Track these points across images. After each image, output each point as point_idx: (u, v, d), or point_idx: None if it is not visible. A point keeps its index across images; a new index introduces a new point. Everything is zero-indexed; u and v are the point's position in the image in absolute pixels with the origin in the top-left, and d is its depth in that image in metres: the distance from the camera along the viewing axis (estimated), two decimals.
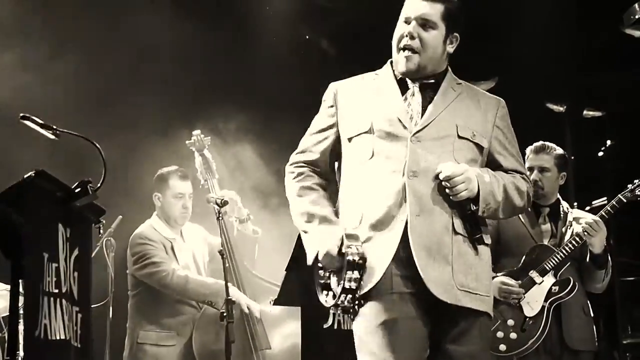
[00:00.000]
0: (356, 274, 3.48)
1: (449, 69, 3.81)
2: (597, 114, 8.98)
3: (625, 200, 5.39)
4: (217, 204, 5.63)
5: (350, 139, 3.72)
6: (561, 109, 8.87)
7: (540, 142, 5.67)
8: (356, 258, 3.47)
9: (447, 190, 3.51)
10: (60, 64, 7.12)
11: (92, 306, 6.47)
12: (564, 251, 5.38)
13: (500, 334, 5.38)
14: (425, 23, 3.64)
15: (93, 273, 6.57)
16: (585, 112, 8.94)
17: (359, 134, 3.69)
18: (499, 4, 8.27)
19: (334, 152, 3.81)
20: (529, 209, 5.50)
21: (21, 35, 7.30)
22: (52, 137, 4.35)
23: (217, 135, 7.13)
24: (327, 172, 3.85)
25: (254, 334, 5.85)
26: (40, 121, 4.35)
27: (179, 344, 5.98)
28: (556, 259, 5.39)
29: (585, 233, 5.27)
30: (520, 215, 5.49)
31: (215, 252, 5.74)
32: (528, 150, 5.66)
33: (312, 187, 3.79)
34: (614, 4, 7.89)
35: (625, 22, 7.68)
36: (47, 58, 7.15)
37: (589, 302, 5.58)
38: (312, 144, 3.85)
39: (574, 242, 5.36)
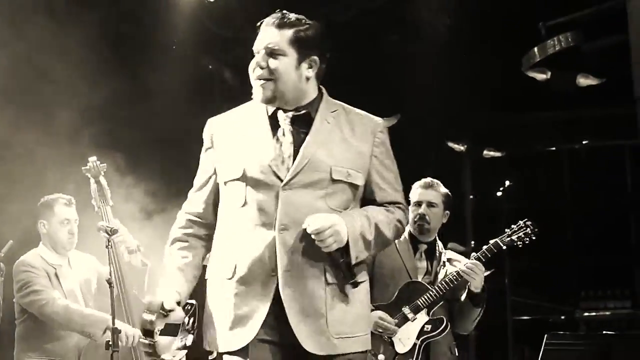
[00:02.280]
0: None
1: (324, 94, 3.65)
2: (497, 154, 9.14)
3: (502, 245, 5.43)
4: (106, 232, 5.52)
5: (225, 183, 3.60)
6: (462, 148, 9.01)
7: (429, 179, 5.69)
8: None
9: (317, 243, 3.39)
10: None
11: None
12: (438, 290, 5.40)
13: None
14: (272, 51, 3.50)
15: None
16: (485, 152, 9.10)
17: (232, 180, 3.56)
18: (404, 43, 8.33)
19: (217, 194, 3.67)
20: (408, 244, 5.56)
21: None
22: None
23: (113, 164, 6.99)
24: (210, 218, 3.69)
25: None
26: None
27: None
28: (430, 297, 5.41)
29: (466, 275, 5.31)
30: (398, 250, 5.52)
31: (104, 281, 5.63)
32: (416, 184, 5.68)
33: (180, 239, 3.68)
34: (518, 46, 8.04)
35: (524, 65, 7.85)
36: None
37: (454, 340, 5.62)
38: (194, 190, 3.73)
39: (449, 282, 5.38)
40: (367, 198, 3.61)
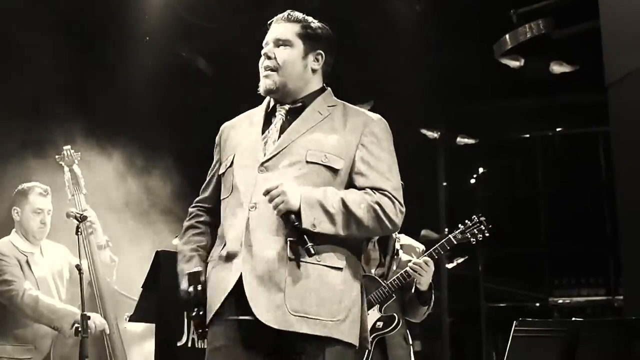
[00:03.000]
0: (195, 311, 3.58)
1: (326, 89, 3.74)
2: (471, 141, 9.16)
3: (455, 242, 5.44)
4: (76, 218, 5.55)
5: (223, 174, 3.71)
6: (435, 135, 9.03)
7: None
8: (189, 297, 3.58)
9: (270, 206, 3.44)
10: None
11: None
12: (390, 286, 5.41)
13: None
14: (280, 43, 3.64)
15: None
16: (458, 139, 9.12)
17: (226, 169, 3.68)
18: (379, 29, 8.33)
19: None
20: None
21: None
22: None
23: (86, 152, 6.99)
24: (218, 211, 3.76)
25: (110, 349, 5.78)
26: None
27: (37, 357, 5.77)
28: (382, 294, 5.42)
29: (414, 272, 5.32)
30: None
31: (75, 269, 5.65)
32: None
33: (193, 225, 3.80)
34: (491, 33, 8.06)
35: (496, 52, 7.87)
36: None
37: (407, 329, 5.64)
38: (205, 185, 3.87)
39: (401, 278, 5.38)
40: (350, 185, 3.60)
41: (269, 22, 3.71)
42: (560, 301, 9.67)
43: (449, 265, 9.45)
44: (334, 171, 3.54)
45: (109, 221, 6.39)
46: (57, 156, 6.16)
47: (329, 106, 3.65)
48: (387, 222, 3.53)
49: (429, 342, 9.23)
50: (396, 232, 5.64)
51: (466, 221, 5.36)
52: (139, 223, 6.90)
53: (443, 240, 5.34)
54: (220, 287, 3.54)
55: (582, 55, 8.04)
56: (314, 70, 3.65)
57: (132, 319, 5.39)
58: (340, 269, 3.54)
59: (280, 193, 3.40)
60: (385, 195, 3.54)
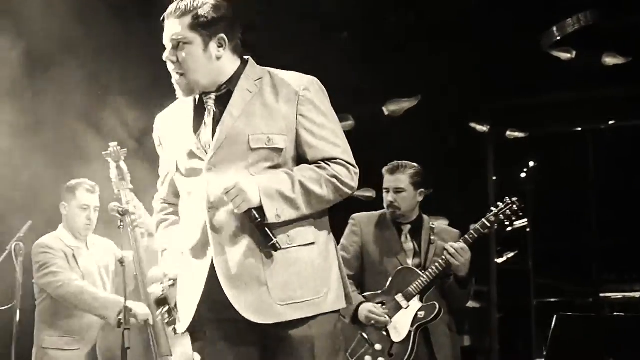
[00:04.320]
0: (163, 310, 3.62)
1: (249, 64, 3.65)
2: (520, 135, 9.06)
3: (488, 225, 5.38)
4: (118, 212, 5.61)
5: (174, 176, 3.71)
6: (484, 129, 8.94)
7: (395, 162, 5.65)
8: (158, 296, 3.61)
9: (230, 206, 3.41)
10: None
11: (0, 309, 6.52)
12: (428, 275, 5.39)
13: (368, 359, 5.39)
14: (177, 43, 3.52)
15: (1, 276, 6.59)
16: (508, 132, 9.03)
17: (174, 173, 3.67)
18: (424, 24, 8.28)
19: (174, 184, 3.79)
20: (391, 228, 5.55)
21: None
22: None
23: (135, 147, 7.04)
24: (177, 201, 3.79)
25: (155, 341, 5.82)
26: None
27: (84, 348, 6.00)
28: (421, 283, 5.41)
29: (451, 258, 5.30)
30: (383, 234, 5.55)
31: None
32: (384, 170, 5.68)
33: (163, 219, 3.81)
34: (540, 26, 7.98)
35: (543, 44, 7.78)
36: None
37: (452, 318, 5.62)
38: (161, 182, 3.86)
39: (438, 266, 5.37)
40: (300, 158, 3.56)
41: (161, 18, 3.58)
42: (612, 297, 9.52)
43: (499, 260, 9.37)
44: (280, 151, 3.49)
45: None
46: (104, 152, 6.22)
47: (255, 80, 3.58)
48: (345, 189, 3.53)
49: (478, 337, 9.16)
50: (429, 220, 5.64)
51: (498, 203, 5.34)
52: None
53: (477, 224, 5.33)
54: (190, 299, 3.51)
55: (634, 46, 7.92)
56: (218, 58, 3.55)
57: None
58: (312, 243, 3.53)
59: (239, 192, 3.37)
60: (338, 164, 3.52)
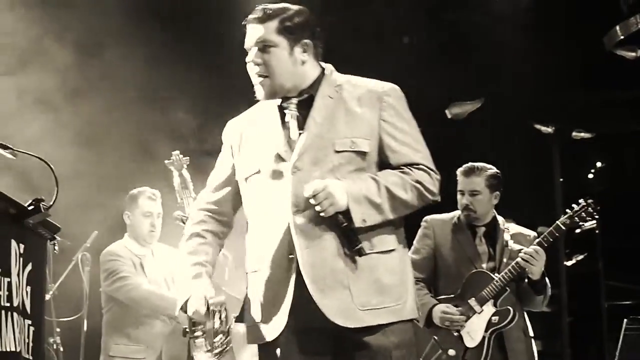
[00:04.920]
0: (222, 338, 3.54)
1: (327, 71, 3.67)
2: (587, 135, 8.92)
3: (564, 228, 5.30)
4: (182, 221, 5.69)
5: (246, 179, 3.67)
6: (550, 130, 8.81)
7: (470, 164, 5.57)
8: (218, 325, 3.54)
9: (316, 209, 3.39)
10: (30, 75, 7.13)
11: (67, 319, 6.64)
12: (502, 279, 5.31)
13: None
14: (263, 45, 3.54)
15: (68, 286, 6.69)
16: (574, 133, 8.89)
17: (250, 175, 3.63)
18: (486, 25, 8.22)
19: (237, 193, 3.74)
20: (465, 230, 5.46)
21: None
22: (10, 156, 4.30)
23: (197, 156, 7.08)
24: (228, 215, 3.77)
25: None
26: None
27: (150, 356, 6.06)
28: (495, 288, 5.32)
29: (526, 262, 5.21)
30: (457, 238, 5.47)
31: None
32: (458, 172, 5.59)
33: (199, 234, 3.73)
34: (606, 25, 7.86)
35: (607, 44, 7.66)
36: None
37: (527, 321, 5.52)
38: (212, 187, 3.80)
39: (512, 270, 5.28)
40: (383, 163, 3.56)
41: (243, 23, 3.60)
42: None
43: (568, 263, 9.24)
44: (364, 154, 3.50)
45: None
46: (166, 161, 6.27)
47: (335, 87, 3.60)
48: (429, 195, 3.53)
49: (548, 341, 9.03)
50: (504, 222, 5.55)
51: (573, 205, 5.25)
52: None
53: (551, 227, 5.24)
54: (274, 301, 3.49)
55: None
56: (303, 62, 3.57)
57: (239, 319, 5.45)
58: (393, 250, 3.53)
59: (328, 196, 3.36)
60: (420, 169, 3.53)
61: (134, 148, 7.69)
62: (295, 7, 3.61)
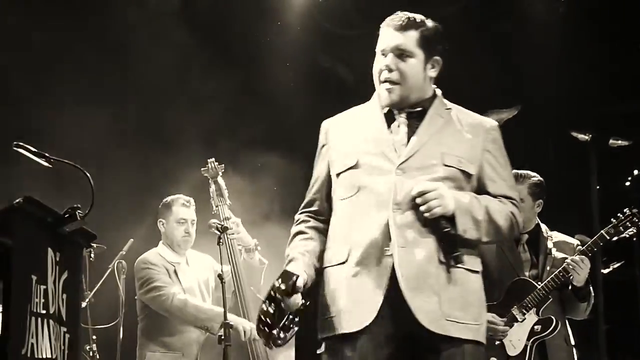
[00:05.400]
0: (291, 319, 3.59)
1: (438, 93, 3.78)
2: (624, 142, 8.83)
3: (608, 237, 5.28)
4: (217, 229, 5.70)
5: (338, 175, 3.72)
6: (586, 137, 8.73)
7: (514, 172, 5.54)
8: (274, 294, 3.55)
9: (421, 208, 3.43)
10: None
11: (104, 326, 6.71)
12: (546, 287, 5.29)
13: None
14: (401, 53, 3.63)
15: (105, 294, 6.76)
16: (611, 141, 8.81)
17: (346, 170, 3.68)
18: (521, 31, 8.19)
19: (330, 190, 3.81)
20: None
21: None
22: (46, 164, 4.35)
23: (232, 164, 7.11)
24: (325, 214, 3.82)
25: (255, 356, 5.85)
26: (34, 149, 4.37)
27: None
28: (538, 296, 5.31)
29: (572, 270, 5.18)
30: (500, 245, 5.45)
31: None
32: None
33: (301, 231, 3.82)
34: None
35: None
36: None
37: (569, 329, 5.48)
38: (310, 188, 3.89)
39: (556, 278, 5.28)
40: (481, 191, 3.63)
41: (382, 25, 3.69)
42: None
43: (605, 270, 9.16)
44: (468, 176, 3.59)
45: (253, 231, 6.46)
46: (202, 169, 6.30)
47: (445, 109, 3.70)
48: (516, 231, 3.65)
49: (585, 349, 8.95)
50: (547, 230, 5.53)
51: (619, 215, 5.23)
52: (281, 231, 7.00)
53: (596, 237, 5.23)
54: (365, 294, 3.51)
55: None
56: (431, 79, 3.69)
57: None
58: (477, 272, 3.60)
59: (438, 196, 3.42)
60: (513, 204, 3.63)
61: (170, 155, 7.74)
62: (432, 22, 3.70)
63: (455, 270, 3.51)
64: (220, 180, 6.36)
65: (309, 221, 3.83)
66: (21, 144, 4.35)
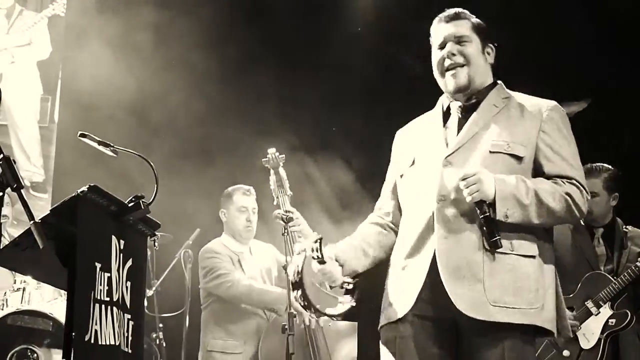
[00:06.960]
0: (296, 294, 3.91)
1: (498, 82, 3.85)
2: None
3: None
4: (282, 219, 5.72)
5: (401, 176, 3.88)
6: None
7: (588, 165, 5.45)
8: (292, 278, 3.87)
9: (464, 193, 3.49)
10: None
11: (170, 314, 6.78)
12: (620, 281, 5.22)
13: None
14: (459, 40, 3.75)
15: (171, 283, 6.83)
16: None
17: (406, 170, 3.83)
18: (591, 26, 8.06)
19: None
20: (584, 231, 5.34)
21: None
22: (111, 154, 4.39)
23: (296, 155, 7.13)
24: (395, 216, 3.94)
25: (315, 347, 5.87)
26: (98, 139, 4.41)
27: (247, 352, 6.13)
28: (613, 290, 5.23)
29: None
30: (575, 238, 5.38)
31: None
32: None
33: (364, 225, 4.00)
34: None
35: None
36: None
37: None
38: (382, 189, 4.05)
39: (631, 272, 5.19)
40: (537, 172, 3.64)
41: (432, 24, 3.84)
42: None
43: None
44: (518, 159, 3.60)
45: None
46: (263, 159, 6.31)
47: (503, 98, 3.74)
48: (576, 211, 3.58)
49: None
50: (623, 224, 5.45)
51: None
52: (332, 224, 6.99)
53: None
54: (409, 283, 3.61)
55: None
56: (490, 63, 3.80)
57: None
58: (533, 256, 3.57)
59: (477, 181, 3.45)
60: (573, 184, 3.58)
61: (229, 147, 7.80)
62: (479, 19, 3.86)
63: (504, 256, 3.51)
64: (281, 170, 6.35)
65: (381, 218, 3.98)
66: (86, 133, 4.38)
